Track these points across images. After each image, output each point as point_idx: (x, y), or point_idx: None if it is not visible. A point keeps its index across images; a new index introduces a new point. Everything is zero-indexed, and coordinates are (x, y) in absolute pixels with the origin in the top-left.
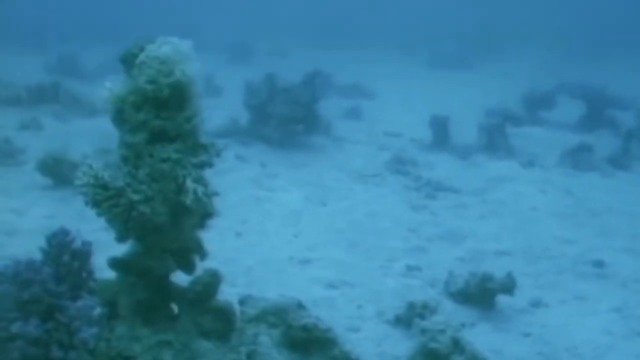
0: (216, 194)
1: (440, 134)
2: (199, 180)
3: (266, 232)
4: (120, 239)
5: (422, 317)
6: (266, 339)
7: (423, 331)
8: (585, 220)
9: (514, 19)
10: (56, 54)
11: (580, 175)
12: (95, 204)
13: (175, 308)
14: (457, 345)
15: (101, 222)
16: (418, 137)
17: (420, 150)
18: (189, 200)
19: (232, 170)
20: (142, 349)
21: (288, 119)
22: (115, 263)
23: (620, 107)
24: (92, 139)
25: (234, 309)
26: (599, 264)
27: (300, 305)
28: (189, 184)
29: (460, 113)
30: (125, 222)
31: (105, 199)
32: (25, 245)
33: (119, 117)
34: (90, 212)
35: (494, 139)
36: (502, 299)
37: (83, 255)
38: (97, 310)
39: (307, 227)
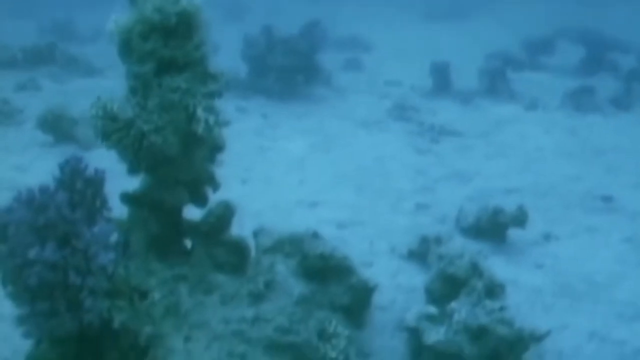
0: (227, 123)
1: (441, 80)
2: (210, 110)
3: (272, 179)
4: (132, 171)
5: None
6: (283, 268)
7: (440, 257)
8: (591, 159)
9: None
10: (49, 19)
11: (583, 117)
12: (105, 136)
13: (188, 242)
14: (475, 269)
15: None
16: (419, 85)
17: (421, 97)
18: (200, 129)
19: (233, 122)
20: (157, 283)
21: (288, 70)
22: (127, 197)
23: (621, 51)
24: (90, 97)
25: (247, 242)
26: (607, 198)
27: (315, 235)
28: (200, 113)
29: (460, 60)
30: (136, 153)
31: (115, 130)
32: None
33: (126, 48)
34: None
35: (496, 82)
36: (513, 233)
37: (96, 182)
38: (114, 237)
39: (313, 173)
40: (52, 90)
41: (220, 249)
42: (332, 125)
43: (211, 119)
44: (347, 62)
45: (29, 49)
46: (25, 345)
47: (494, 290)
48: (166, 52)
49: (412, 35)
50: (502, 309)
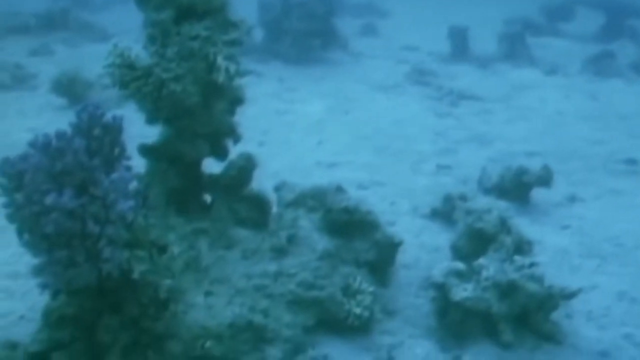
0: (249, 72)
1: (459, 44)
2: (231, 58)
3: (290, 141)
4: (151, 120)
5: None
6: (306, 222)
7: (468, 212)
8: (613, 123)
9: None
10: None
11: (603, 82)
12: (123, 84)
13: (208, 196)
14: (504, 225)
15: None
16: (436, 50)
17: (439, 62)
18: (221, 78)
19: (248, 86)
20: (177, 238)
21: (304, 34)
22: (145, 149)
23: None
24: (101, 61)
25: (268, 197)
26: (631, 161)
27: (339, 189)
28: (221, 61)
29: (477, 26)
30: (155, 102)
31: (133, 79)
32: None
33: None
34: None
35: (515, 47)
36: (536, 195)
37: (114, 129)
38: (134, 184)
39: (332, 135)
40: (65, 55)
41: (241, 203)
42: (349, 88)
43: (232, 68)
44: (363, 27)
45: (42, 15)
46: (42, 301)
47: (522, 246)
48: None
49: (427, 2)
50: (532, 265)
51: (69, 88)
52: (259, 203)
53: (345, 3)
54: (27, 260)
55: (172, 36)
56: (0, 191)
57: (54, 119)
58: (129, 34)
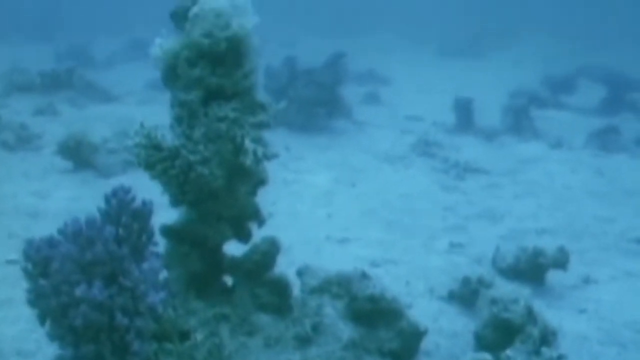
0: (276, 155)
1: (464, 116)
2: (258, 141)
3: (298, 212)
4: (175, 203)
5: (477, 292)
6: (331, 310)
7: (494, 301)
8: (622, 200)
9: (522, 7)
10: (66, 44)
11: (609, 156)
12: (149, 165)
13: (229, 280)
14: (530, 315)
15: None
16: (440, 120)
17: (444, 133)
18: (249, 161)
19: None
20: (198, 323)
21: (310, 102)
22: (167, 231)
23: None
24: (109, 123)
25: (289, 280)
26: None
27: (364, 275)
28: (248, 144)
29: (480, 97)
30: (181, 185)
31: (159, 160)
32: (51, 227)
33: (171, 74)
34: None
35: (520, 120)
36: (551, 276)
37: (144, 215)
38: (164, 274)
39: (340, 208)
40: (70, 116)
41: (263, 288)
42: (356, 158)
43: (259, 151)
44: (366, 95)
45: (48, 74)
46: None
47: (547, 337)
48: (214, 79)
49: (429, 70)
50: (559, 358)
51: (75, 151)
52: (281, 288)
53: (349, 71)
54: (37, 337)
55: (199, 117)
56: (23, 275)
57: (59, 182)
58: (133, 95)
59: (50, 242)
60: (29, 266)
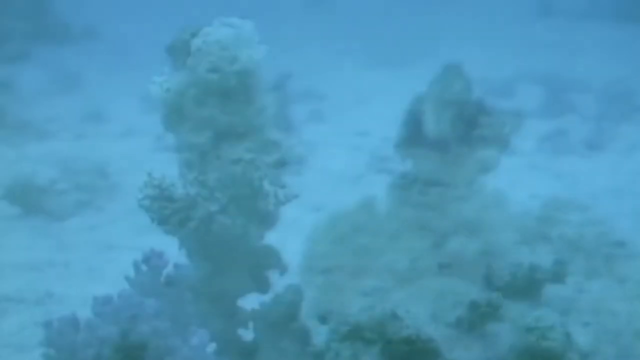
0: (296, 196)
1: (414, 128)
2: (277, 182)
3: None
4: (193, 256)
5: (485, 317)
6: (367, 358)
7: (529, 329)
8: (589, 204)
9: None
10: None
11: (562, 160)
12: (163, 220)
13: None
14: (569, 340)
15: (86, 249)
16: (388, 134)
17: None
18: (270, 205)
19: None
20: None
21: None
22: None
23: (578, 91)
24: (50, 163)
25: (308, 328)
26: (620, 244)
27: (395, 316)
28: (268, 187)
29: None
30: (202, 237)
31: (173, 212)
32: (11, 279)
33: (177, 115)
34: (73, 240)
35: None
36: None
37: (178, 281)
38: (212, 347)
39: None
40: (7, 157)
41: (288, 340)
42: (313, 181)
43: (280, 194)
44: (310, 113)
45: None
46: None
47: None
48: (224, 118)
49: (360, 82)
50: None
51: (23, 196)
52: (306, 338)
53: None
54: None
55: (211, 161)
56: None
57: (9, 231)
58: (69, 130)
59: (74, 323)
60: (53, 353)
